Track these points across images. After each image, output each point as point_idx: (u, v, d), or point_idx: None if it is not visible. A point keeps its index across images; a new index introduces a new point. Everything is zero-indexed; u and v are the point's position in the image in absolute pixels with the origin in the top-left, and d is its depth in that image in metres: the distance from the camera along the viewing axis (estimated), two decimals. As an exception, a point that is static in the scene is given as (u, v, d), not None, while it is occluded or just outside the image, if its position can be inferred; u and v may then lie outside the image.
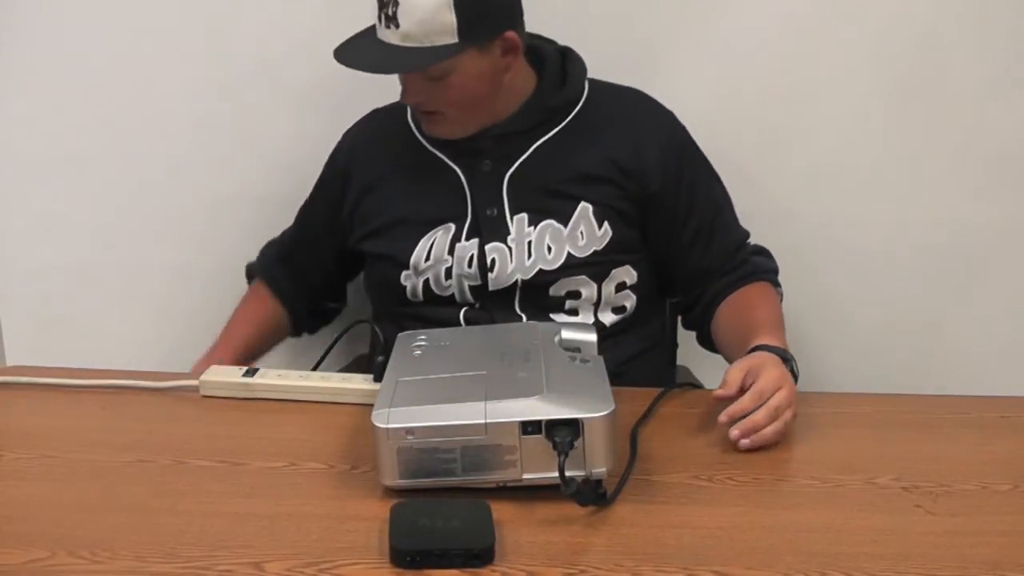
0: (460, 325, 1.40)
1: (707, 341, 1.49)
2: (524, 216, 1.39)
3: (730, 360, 1.31)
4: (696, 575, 0.90)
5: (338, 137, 1.55)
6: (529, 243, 1.38)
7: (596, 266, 1.40)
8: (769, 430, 1.13)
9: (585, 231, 1.39)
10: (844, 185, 1.74)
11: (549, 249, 1.38)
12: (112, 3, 1.72)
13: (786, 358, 1.23)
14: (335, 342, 1.40)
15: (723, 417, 1.13)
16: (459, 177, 1.41)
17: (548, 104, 1.41)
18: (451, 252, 1.39)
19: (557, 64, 1.44)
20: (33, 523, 0.98)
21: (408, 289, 1.42)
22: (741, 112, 1.70)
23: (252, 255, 1.82)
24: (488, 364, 1.09)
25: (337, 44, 1.65)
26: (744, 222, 1.49)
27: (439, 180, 1.42)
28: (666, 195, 1.41)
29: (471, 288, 1.40)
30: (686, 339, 1.65)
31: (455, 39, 1.29)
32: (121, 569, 0.90)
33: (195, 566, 0.90)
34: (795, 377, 1.22)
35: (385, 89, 1.57)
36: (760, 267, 1.46)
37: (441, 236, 1.40)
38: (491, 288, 1.39)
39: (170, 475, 1.08)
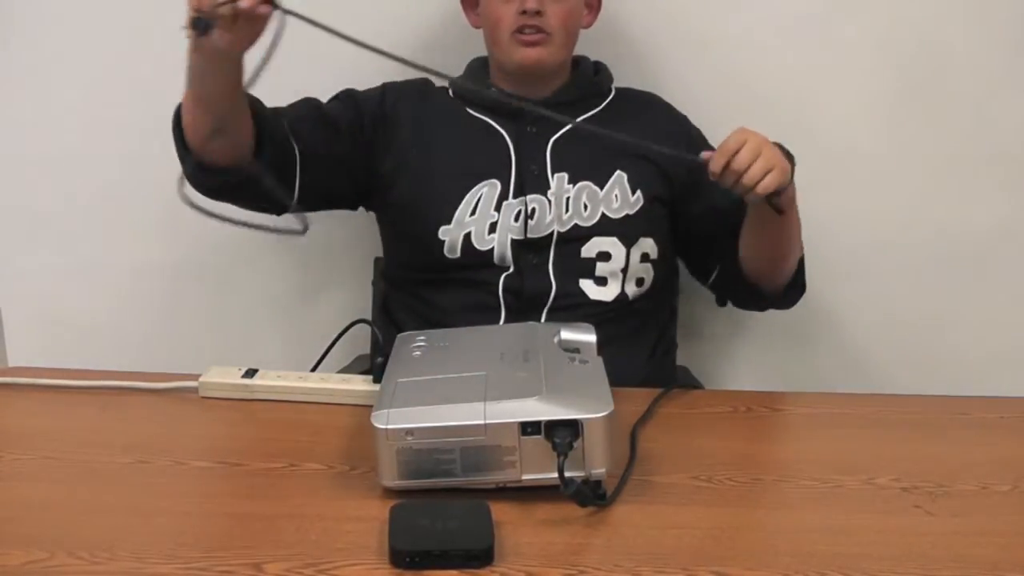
0: (497, 290, 1.44)
1: (739, 286, 1.51)
2: (564, 175, 1.46)
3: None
4: (695, 575, 0.90)
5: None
6: (567, 199, 1.45)
7: (627, 229, 1.46)
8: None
9: (619, 195, 1.46)
10: (844, 185, 1.74)
11: (585, 207, 1.45)
12: (113, 3, 1.72)
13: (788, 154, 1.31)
14: (334, 342, 1.40)
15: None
16: (505, 139, 1.48)
17: (588, 82, 1.54)
18: (497, 209, 1.44)
19: (590, 65, 1.58)
20: (33, 524, 0.98)
21: (446, 244, 1.45)
22: (740, 112, 1.69)
23: (253, 255, 1.82)
24: (487, 365, 1.09)
25: (335, 42, 1.64)
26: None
27: (485, 141, 1.49)
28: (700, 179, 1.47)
29: (512, 241, 1.44)
30: (686, 339, 1.65)
31: None
32: (120, 570, 0.90)
33: (194, 567, 0.89)
34: (791, 157, 1.31)
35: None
36: None
37: (487, 192, 1.45)
38: (529, 235, 1.44)
39: (169, 476, 1.08)
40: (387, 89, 1.54)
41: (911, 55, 1.69)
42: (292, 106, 1.46)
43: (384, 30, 1.70)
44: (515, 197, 1.45)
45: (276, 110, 1.41)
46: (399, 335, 1.25)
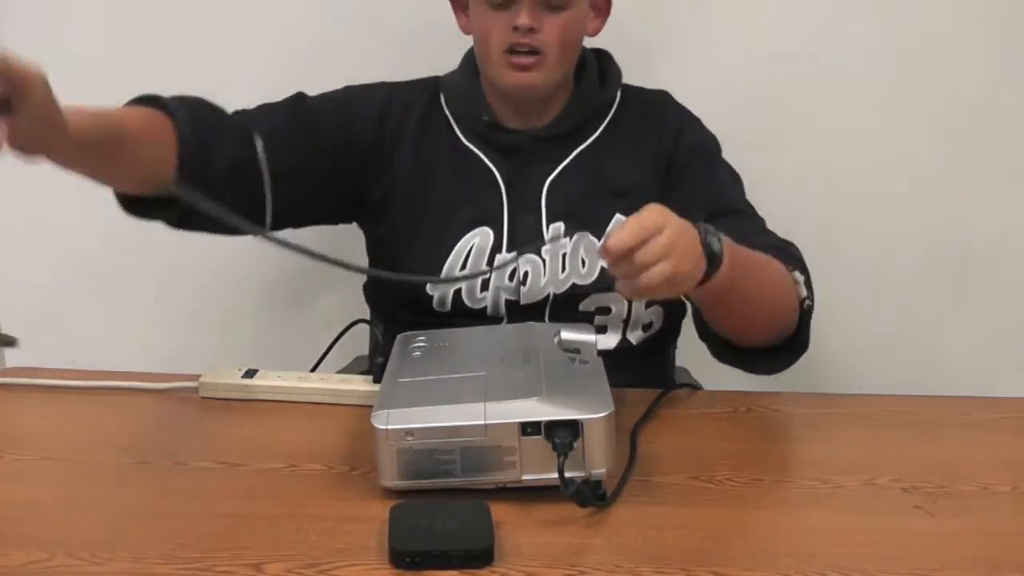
0: None
1: (719, 343, 1.33)
2: (560, 225, 1.36)
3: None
4: (695, 575, 0.90)
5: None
6: (564, 255, 1.35)
7: None
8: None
9: None
10: (845, 187, 1.74)
11: (583, 263, 1.35)
12: (112, 5, 1.72)
13: (709, 234, 1.09)
14: (334, 343, 1.40)
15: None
16: (497, 180, 1.37)
17: (590, 103, 1.40)
18: (490, 263, 1.35)
19: (594, 66, 1.43)
20: (32, 524, 0.98)
21: (435, 299, 1.36)
22: (741, 114, 1.70)
23: (251, 256, 1.82)
24: (487, 365, 1.09)
25: (334, 43, 1.63)
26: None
27: (476, 181, 1.37)
28: (678, 186, 1.38)
29: (506, 302, 1.36)
30: (686, 340, 1.65)
31: None
32: (120, 571, 0.89)
33: (194, 567, 0.89)
34: (713, 258, 1.09)
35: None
36: (763, 243, 1.28)
37: (479, 242, 1.35)
38: (523, 302, 1.35)
39: (169, 476, 1.08)
40: (390, 104, 1.41)
41: (913, 56, 1.69)
42: (271, 111, 1.34)
43: (379, 25, 1.72)
44: (509, 250, 1.35)
45: (241, 119, 1.30)
46: (399, 335, 1.25)
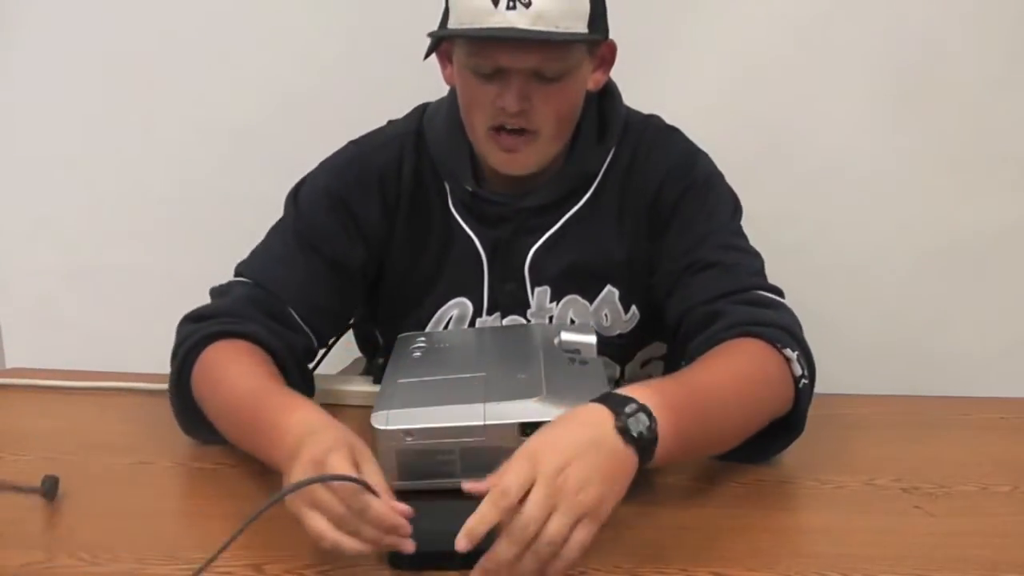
0: None
1: None
2: (546, 289, 1.27)
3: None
4: (695, 575, 0.90)
5: (342, 141, 1.47)
6: (550, 318, 1.27)
7: (620, 348, 1.30)
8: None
9: (610, 314, 1.28)
10: (844, 187, 1.74)
11: (572, 323, 1.27)
12: (113, 5, 1.72)
13: (628, 425, 0.89)
14: (334, 343, 1.40)
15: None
16: (478, 250, 1.25)
17: (585, 166, 1.25)
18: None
19: (594, 109, 1.26)
20: (32, 525, 0.98)
21: None
22: (741, 114, 1.70)
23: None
24: (487, 366, 1.09)
25: (337, 45, 1.61)
26: (744, 224, 1.43)
27: (456, 250, 1.26)
28: (660, 241, 1.25)
29: None
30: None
31: (585, 29, 1.12)
32: (120, 571, 0.90)
33: (194, 568, 0.89)
34: (643, 454, 0.90)
35: (388, 95, 1.54)
36: (742, 318, 1.12)
37: (457, 313, 1.27)
38: None
39: (169, 477, 1.08)
40: (383, 181, 1.26)
41: (912, 56, 1.69)
42: (303, 283, 1.22)
43: (369, 40, 1.72)
44: (490, 314, 1.27)
45: (278, 300, 1.20)
46: (399, 336, 1.25)
